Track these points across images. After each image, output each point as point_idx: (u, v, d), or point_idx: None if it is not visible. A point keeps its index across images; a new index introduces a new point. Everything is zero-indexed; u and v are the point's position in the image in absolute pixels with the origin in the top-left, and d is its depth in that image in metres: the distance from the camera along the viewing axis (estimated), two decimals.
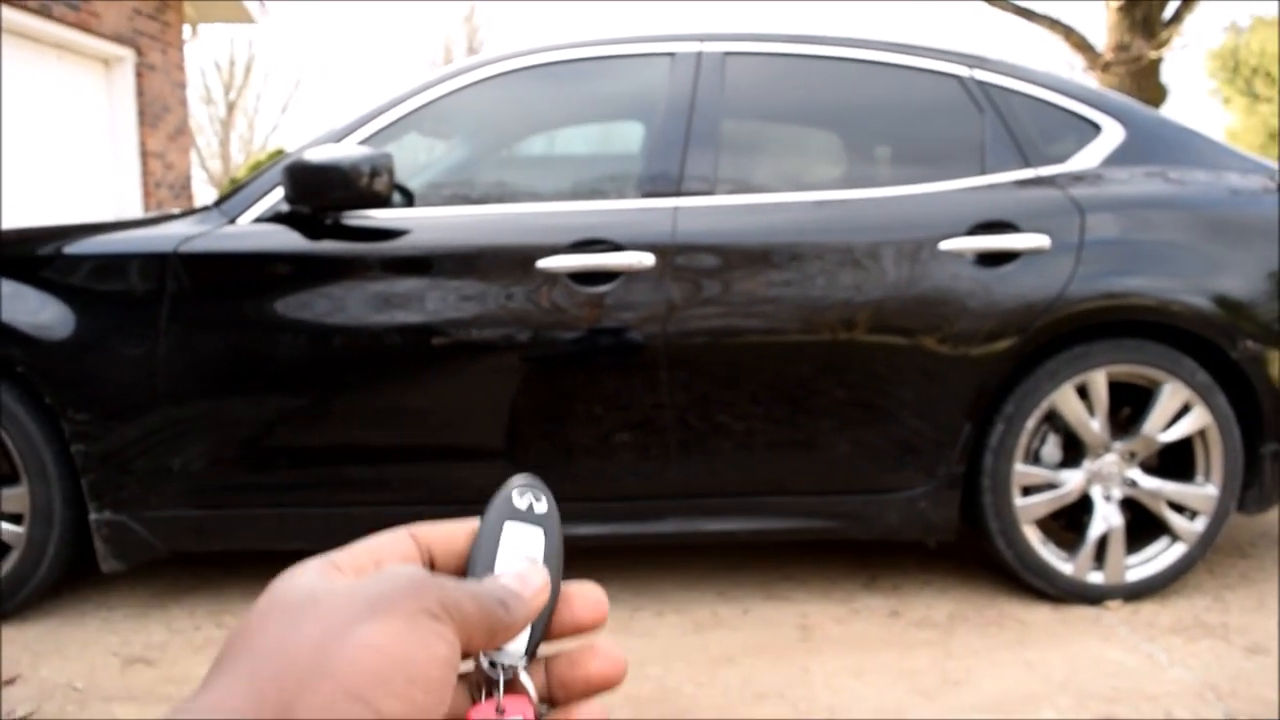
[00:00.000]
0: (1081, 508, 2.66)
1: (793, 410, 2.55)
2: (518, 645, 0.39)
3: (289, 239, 2.56)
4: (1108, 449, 2.63)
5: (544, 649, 0.41)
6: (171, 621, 2.65)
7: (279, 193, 2.60)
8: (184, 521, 2.59)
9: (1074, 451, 2.65)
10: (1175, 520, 2.64)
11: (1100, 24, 9.49)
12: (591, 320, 2.51)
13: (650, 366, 2.52)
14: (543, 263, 2.50)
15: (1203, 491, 2.63)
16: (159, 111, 8.62)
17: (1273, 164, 2.85)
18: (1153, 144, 2.75)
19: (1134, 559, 2.66)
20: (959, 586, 2.78)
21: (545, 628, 0.40)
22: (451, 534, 0.42)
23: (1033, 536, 2.62)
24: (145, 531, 2.58)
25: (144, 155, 8.36)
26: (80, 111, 7.84)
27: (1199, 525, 2.64)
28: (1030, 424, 2.57)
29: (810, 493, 2.61)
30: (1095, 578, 2.64)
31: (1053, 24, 9.63)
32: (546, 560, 0.41)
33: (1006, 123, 2.70)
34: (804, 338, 2.53)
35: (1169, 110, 9.87)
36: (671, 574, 2.90)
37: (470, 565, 0.40)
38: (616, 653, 0.41)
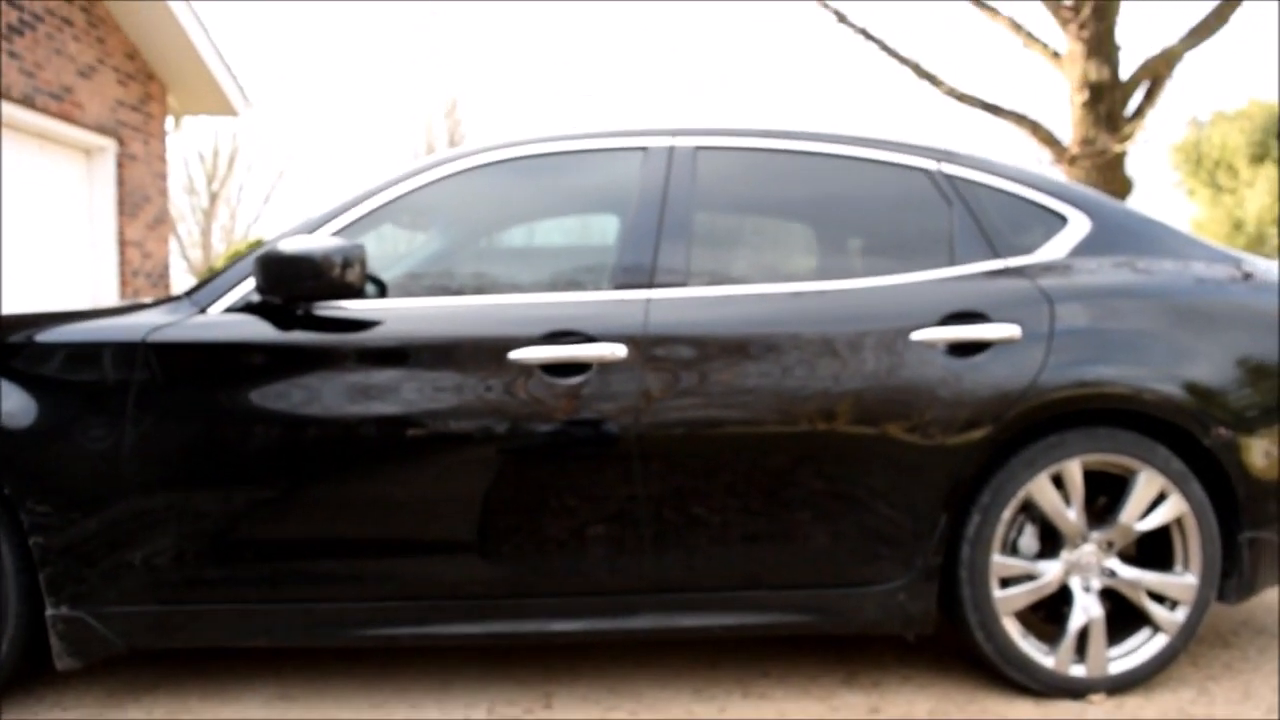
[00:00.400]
0: (1061, 599, 2.63)
1: (768, 502, 2.52)
2: None
3: (259, 329, 2.55)
4: (1085, 539, 2.61)
5: None
6: None
7: (250, 283, 2.59)
8: (144, 617, 2.52)
9: (1051, 542, 2.63)
10: (1156, 610, 2.61)
11: (1066, 118, 9.75)
12: (564, 412, 2.49)
13: (623, 458, 2.49)
14: (514, 354, 2.49)
15: (1182, 581, 2.61)
16: (139, 201, 8.67)
17: (1238, 253, 2.89)
18: (1119, 235, 2.79)
19: (1116, 651, 2.62)
20: (939, 682, 2.72)
21: None
22: None
23: (1013, 629, 2.58)
24: (103, 628, 2.50)
25: (122, 244, 8.37)
26: (60, 200, 7.87)
27: (1180, 615, 2.61)
28: (1007, 514, 2.55)
29: (787, 586, 2.57)
30: (1077, 671, 2.60)
31: (1019, 119, 9.87)
32: None
33: (975, 215, 2.74)
34: (778, 429, 2.51)
35: (1135, 202, 10.08)
36: (646, 671, 2.83)
37: None
38: None
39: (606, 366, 2.49)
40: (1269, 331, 2.67)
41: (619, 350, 2.49)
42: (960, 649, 2.83)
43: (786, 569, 2.56)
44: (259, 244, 2.71)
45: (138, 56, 8.75)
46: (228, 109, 9.82)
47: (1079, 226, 2.76)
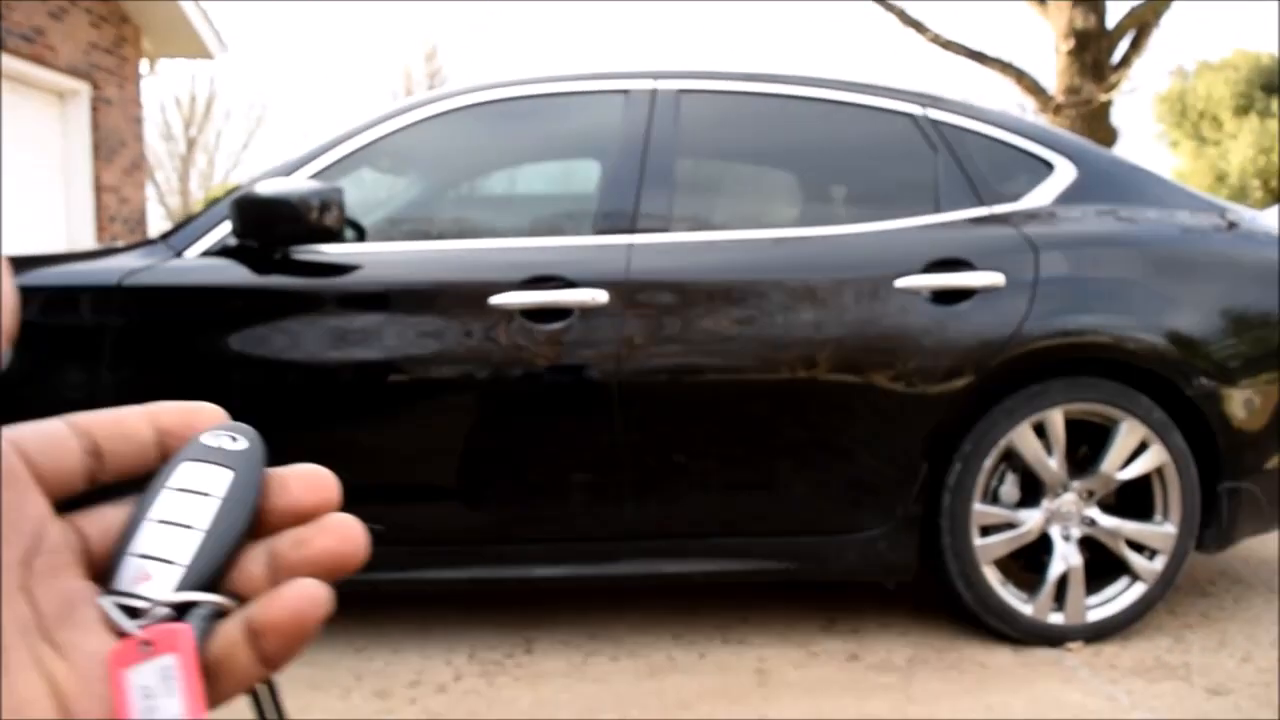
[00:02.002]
0: (1040, 548, 2.64)
1: (749, 450, 2.51)
2: (166, 577, 0.32)
3: (237, 273, 2.51)
4: (1066, 488, 2.61)
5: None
6: None
7: (227, 226, 2.55)
8: None
9: (1032, 491, 2.63)
10: (1135, 559, 2.63)
11: (1051, 68, 9.68)
12: (545, 358, 2.47)
13: (604, 404, 2.47)
14: (495, 299, 2.45)
15: (1161, 530, 2.62)
16: (114, 145, 8.52)
17: (1223, 202, 2.88)
18: (1105, 183, 2.76)
19: (1094, 599, 2.64)
20: (918, 629, 2.74)
21: (226, 561, 0.33)
22: (120, 424, 0.36)
23: (992, 577, 2.60)
24: None
25: (98, 189, 8.25)
26: (33, 144, 7.72)
27: (1158, 564, 2.63)
28: (988, 463, 2.56)
29: (767, 534, 2.57)
30: (1056, 619, 2.62)
31: (1005, 67, 9.80)
32: (228, 499, 0.34)
33: (960, 161, 2.71)
34: (759, 376, 2.50)
35: (1119, 153, 10.06)
36: (626, 616, 2.84)
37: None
38: (351, 528, 0.34)
39: (588, 312, 2.47)
40: (1253, 282, 2.67)
41: (600, 296, 2.46)
42: (940, 597, 2.85)
43: (768, 516, 2.56)
44: (236, 189, 2.66)
45: None
46: (203, 52, 9.64)
47: (1065, 174, 2.74)
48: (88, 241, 8.09)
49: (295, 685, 2.44)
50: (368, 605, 2.92)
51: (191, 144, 26.50)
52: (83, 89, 8.13)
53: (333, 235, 2.48)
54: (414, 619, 2.83)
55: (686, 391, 2.50)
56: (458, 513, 2.53)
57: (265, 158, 27.78)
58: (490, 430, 2.50)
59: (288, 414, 2.47)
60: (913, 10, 10.07)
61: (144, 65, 9.21)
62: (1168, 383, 2.58)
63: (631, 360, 2.47)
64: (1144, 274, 2.61)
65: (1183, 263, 2.66)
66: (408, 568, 2.54)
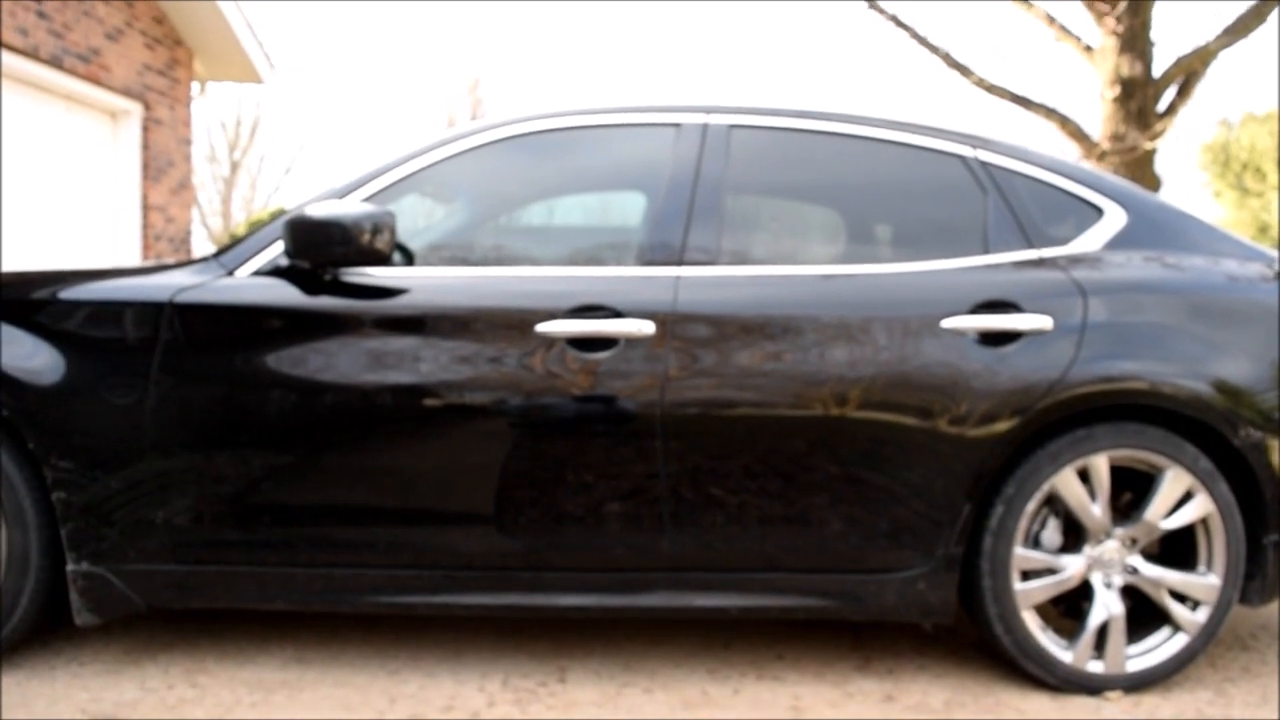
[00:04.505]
0: (1081, 594, 2.61)
1: (789, 485, 2.51)
2: None
3: (287, 293, 2.54)
4: (1109, 535, 2.58)
5: None
6: (145, 680, 2.57)
7: (279, 247, 2.59)
8: (164, 576, 2.53)
9: (1074, 537, 2.60)
10: (1177, 610, 2.59)
11: (1095, 113, 9.65)
12: (588, 387, 2.48)
13: (645, 435, 2.48)
14: (542, 327, 2.47)
15: (1205, 581, 2.58)
16: (163, 165, 8.68)
17: (1271, 251, 2.85)
18: (1154, 229, 2.75)
19: (1135, 649, 2.60)
20: (955, 672, 2.71)
21: None
22: None
23: (1032, 623, 2.57)
24: (123, 585, 2.51)
25: (145, 208, 8.40)
26: (85, 162, 7.89)
27: (1201, 616, 2.58)
28: (1031, 506, 2.53)
29: (805, 570, 2.55)
30: (1095, 667, 2.58)
31: (1049, 112, 9.78)
32: None
33: (1009, 203, 2.71)
34: (803, 412, 2.49)
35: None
36: (661, 649, 2.83)
37: None
38: None
39: (633, 342, 2.48)
40: None
41: (647, 327, 2.48)
42: (978, 640, 2.82)
43: (805, 552, 2.54)
44: (280, 213, 2.71)
45: (165, 21, 8.75)
46: (253, 76, 9.82)
47: (1115, 219, 2.73)
48: (134, 259, 8.23)
49: (328, 707, 2.44)
50: (400, 627, 2.93)
51: (235, 167, 26.96)
52: (135, 109, 8.31)
53: (383, 258, 2.51)
54: (448, 643, 2.83)
55: (730, 425, 2.50)
56: (493, 538, 2.53)
57: (307, 182, 28.16)
58: (529, 457, 2.51)
59: (332, 435, 2.49)
60: (958, 53, 10.07)
61: (195, 87, 9.39)
62: (1214, 432, 2.56)
63: (675, 391, 2.47)
64: (1192, 322, 2.59)
65: (1229, 311, 2.64)
66: (440, 592, 2.55)
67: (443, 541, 2.54)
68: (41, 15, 6.94)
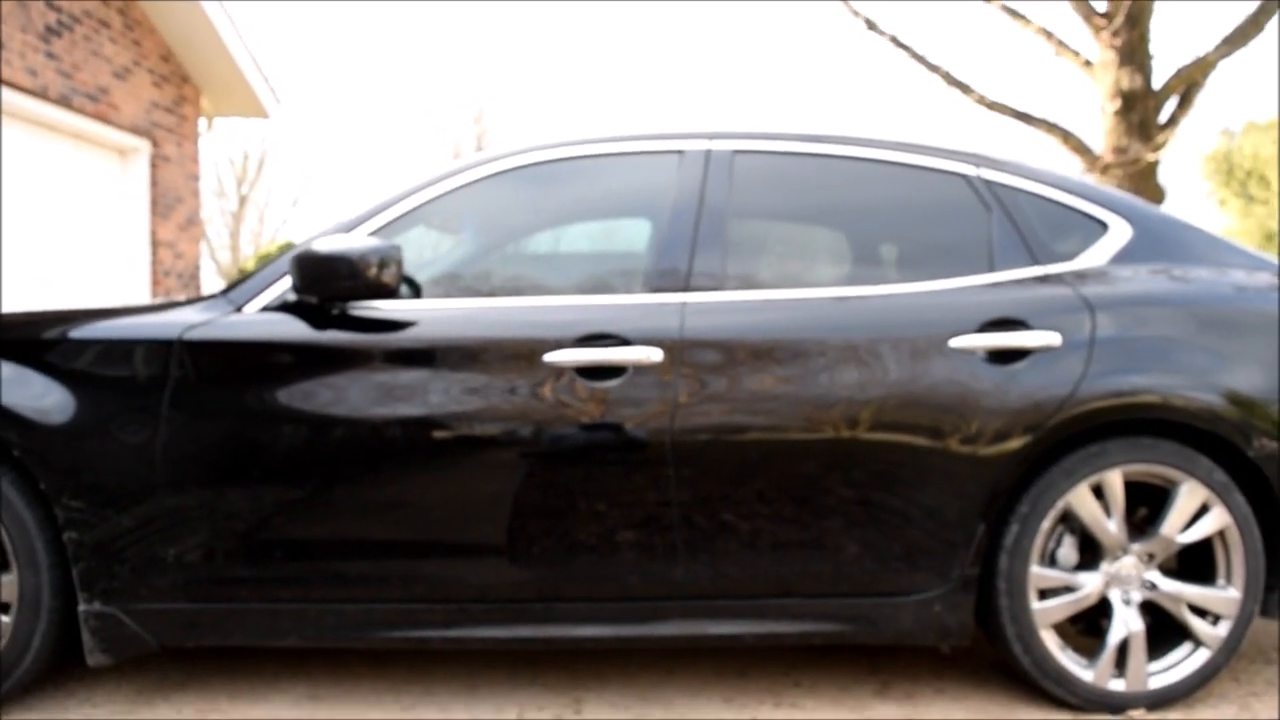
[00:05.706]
0: (1100, 612, 2.59)
1: (802, 510, 2.49)
2: None
3: (295, 328, 2.55)
4: (1125, 550, 2.56)
5: None
6: None
7: (286, 282, 2.60)
8: (176, 615, 2.52)
9: (1091, 554, 2.58)
10: (1197, 625, 2.56)
11: (1096, 127, 9.65)
12: (597, 415, 2.48)
13: (656, 463, 2.47)
14: (550, 356, 2.47)
15: (1224, 595, 2.56)
16: (171, 201, 8.74)
17: (1276, 260, 2.84)
18: (1159, 242, 2.74)
19: (1156, 665, 2.57)
20: (974, 694, 2.68)
21: None
22: None
23: (1051, 642, 2.54)
24: (135, 624, 2.50)
25: (154, 244, 8.45)
26: (94, 199, 7.94)
27: (1222, 630, 2.56)
28: (1046, 524, 2.52)
29: (820, 595, 2.54)
30: (1117, 685, 2.55)
31: (1050, 127, 9.78)
32: None
33: (1014, 221, 2.70)
34: (813, 435, 2.48)
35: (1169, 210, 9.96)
36: (676, 678, 2.81)
37: None
38: None
39: (641, 370, 2.48)
40: None
41: (654, 354, 2.47)
42: (996, 661, 2.79)
43: (820, 577, 2.53)
44: (288, 246, 2.71)
45: (172, 58, 8.83)
46: (259, 111, 9.89)
47: (1120, 233, 2.72)
48: (143, 295, 8.27)
49: None
50: (413, 661, 2.91)
51: (243, 201, 27.13)
52: (143, 146, 8.37)
53: (390, 291, 2.52)
54: (462, 676, 2.81)
55: (741, 450, 2.49)
56: (505, 570, 2.52)
57: (315, 215, 28.30)
58: (539, 488, 2.50)
59: (342, 470, 2.49)
60: (957, 71, 10.08)
61: (202, 123, 9.46)
62: (1228, 444, 2.54)
63: (684, 418, 2.47)
64: (1202, 334, 2.58)
65: (1238, 321, 2.63)
66: (453, 625, 2.54)
67: (455, 574, 2.53)
68: (51, 55, 7.01)
